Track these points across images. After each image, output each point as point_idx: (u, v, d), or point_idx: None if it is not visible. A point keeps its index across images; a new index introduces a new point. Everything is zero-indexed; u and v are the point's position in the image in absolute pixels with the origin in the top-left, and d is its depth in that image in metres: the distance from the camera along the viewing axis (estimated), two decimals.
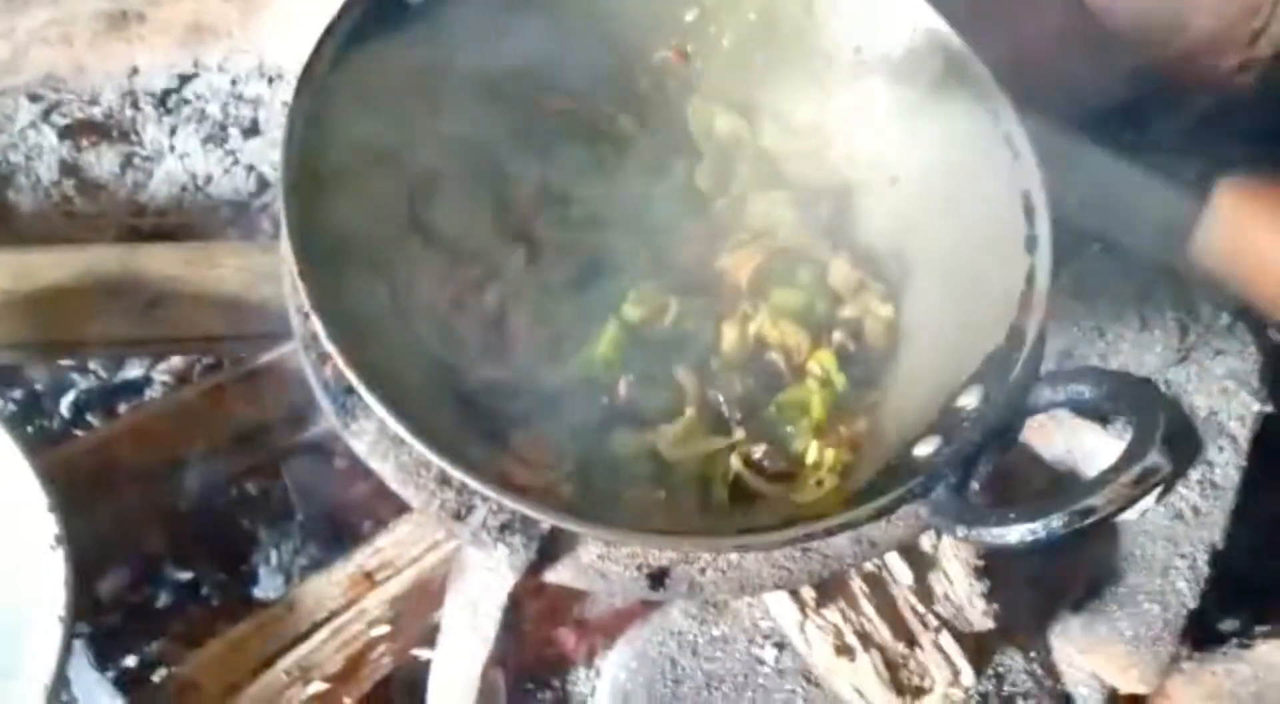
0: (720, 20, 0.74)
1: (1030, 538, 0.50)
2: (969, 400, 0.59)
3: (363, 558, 0.73)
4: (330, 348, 0.53)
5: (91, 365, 0.94)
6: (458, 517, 0.57)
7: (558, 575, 0.57)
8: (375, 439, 0.58)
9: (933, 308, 0.69)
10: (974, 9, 0.77)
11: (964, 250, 0.68)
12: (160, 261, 0.82)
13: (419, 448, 0.52)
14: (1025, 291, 0.62)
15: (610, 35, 0.72)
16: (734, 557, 0.58)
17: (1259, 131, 0.98)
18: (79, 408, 0.91)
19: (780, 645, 0.78)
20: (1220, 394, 0.93)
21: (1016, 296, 0.62)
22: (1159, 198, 0.46)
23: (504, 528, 0.56)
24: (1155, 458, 0.49)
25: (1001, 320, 0.61)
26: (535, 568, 0.56)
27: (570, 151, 0.70)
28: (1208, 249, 0.41)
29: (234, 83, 1.11)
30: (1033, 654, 0.84)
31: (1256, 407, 0.93)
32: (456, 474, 0.52)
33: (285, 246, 0.56)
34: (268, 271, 0.80)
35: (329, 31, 0.62)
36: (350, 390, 0.56)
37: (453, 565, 0.63)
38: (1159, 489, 0.86)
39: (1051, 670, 0.85)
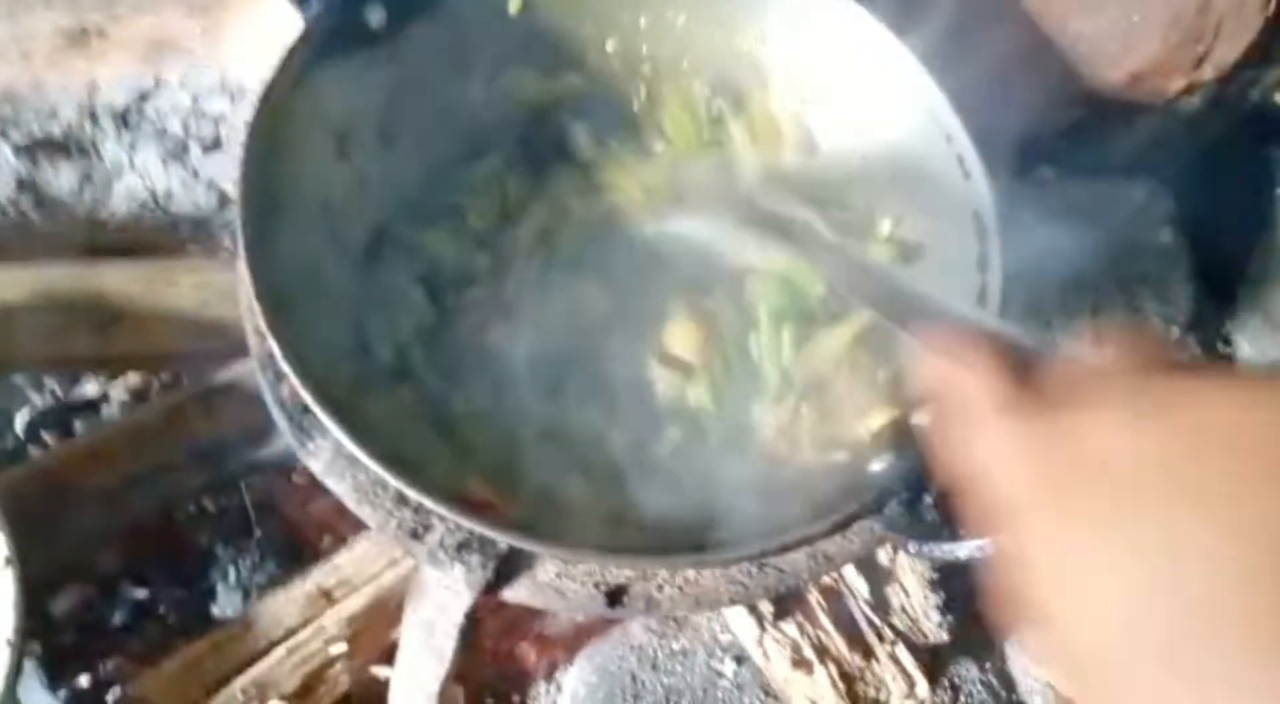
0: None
1: (979, 553, 0.50)
2: (923, 418, 0.60)
3: (321, 576, 0.73)
4: (286, 369, 0.53)
5: (48, 383, 0.93)
6: (415, 536, 0.57)
7: (515, 594, 0.58)
8: (331, 458, 0.58)
9: (890, 325, 0.70)
10: (930, 32, 0.79)
11: (915, 268, 0.69)
12: (118, 279, 0.82)
13: (374, 468, 0.52)
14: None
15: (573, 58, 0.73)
16: (691, 573, 0.59)
17: (1204, 151, 1.01)
18: (34, 427, 0.90)
19: (739, 659, 0.78)
20: None
21: None
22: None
23: (461, 547, 0.56)
24: None
25: None
26: (492, 587, 0.56)
27: (533, 172, 0.71)
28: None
29: (195, 99, 1.10)
30: (988, 665, 0.85)
31: None
32: (412, 494, 0.52)
33: (242, 267, 0.56)
34: (226, 289, 0.79)
35: (291, 51, 0.62)
36: (306, 410, 0.56)
37: (410, 584, 0.63)
38: None
39: (1007, 681, 0.86)
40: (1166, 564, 0.26)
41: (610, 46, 0.73)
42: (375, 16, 0.65)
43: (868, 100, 0.71)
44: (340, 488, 0.58)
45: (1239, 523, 0.25)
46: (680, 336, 0.66)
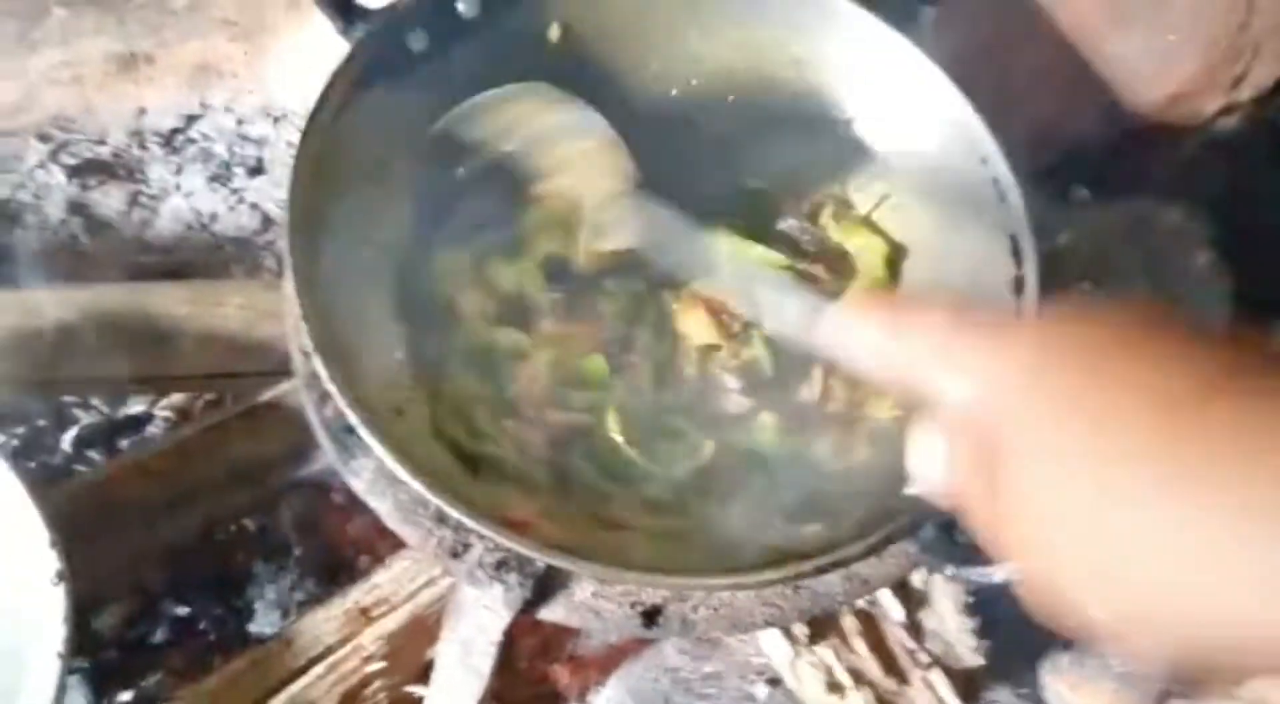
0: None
1: (1016, 576, 0.50)
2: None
3: (359, 594, 0.74)
4: (331, 389, 0.54)
5: (94, 401, 0.95)
6: (454, 554, 0.58)
7: (552, 613, 0.58)
8: (373, 477, 0.59)
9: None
10: (963, 54, 0.79)
11: (953, 291, 0.70)
12: (164, 300, 0.84)
13: (416, 487, 0.53)
14: (1015, 304, 0.63)
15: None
16: (726, 595, 0.59)
17: (1242, 172, 1.00)
18: (81, 444, 0.92)
19: (773, 682, 0.78)
20: None
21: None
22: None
23: (499, 566, 0.57)
24: None
25: None
26: (530, 606, 0.57)
27: None
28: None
29: (239, 122, 1.14)
30: (1023, 690, 0.85)
31: None
32: (453, 512, 0.53)
33: (289, 287, 0.58)
34: (270, 310, 0.81)
35: (336, 75, 0.64)
36: (349, 429, 0.57)
37: (448, 602, 0.64)
38: None
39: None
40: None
41: (652, 72, 0.74)
42: (418, 41, 0.67)
43: (902, 123, 0.71)
44: (382, 506, 0.59)
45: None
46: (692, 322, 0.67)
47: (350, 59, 0.64)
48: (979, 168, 0.69)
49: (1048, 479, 0.34)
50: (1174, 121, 0.90)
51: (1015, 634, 0.86)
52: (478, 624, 0.58)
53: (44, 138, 1.08)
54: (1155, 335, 0.34)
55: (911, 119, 0.71)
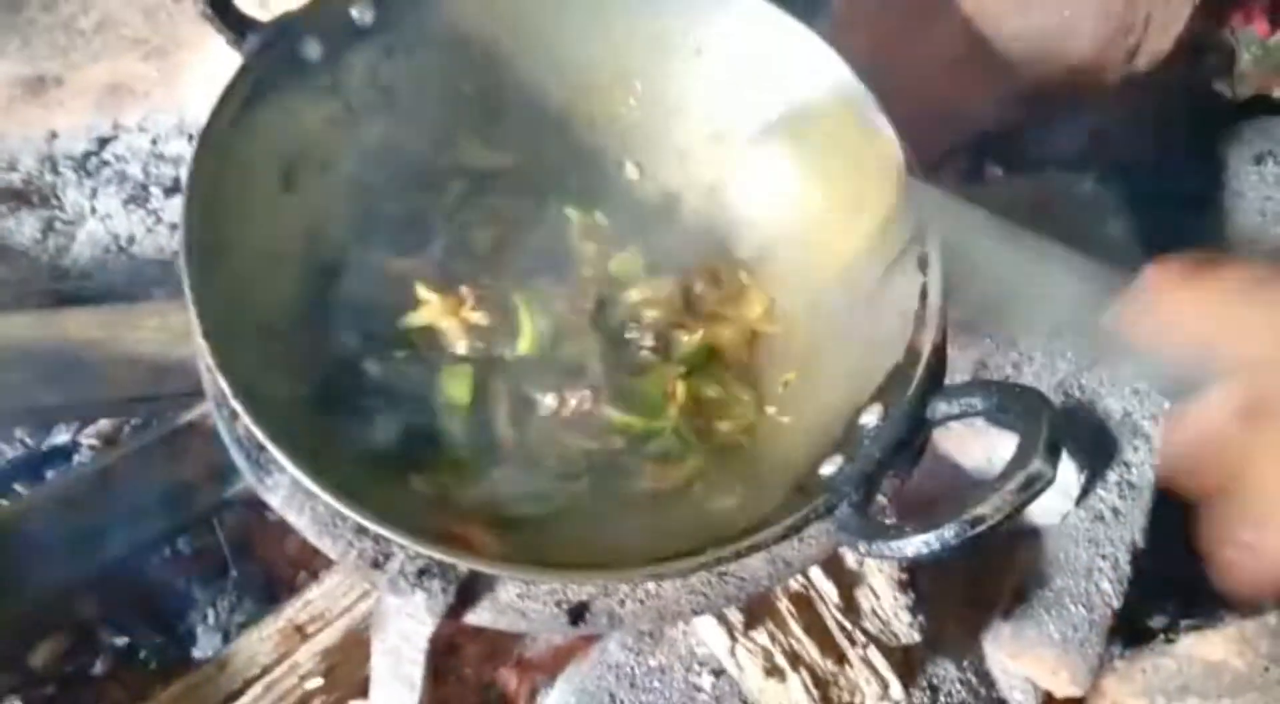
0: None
1: (925, 550, 0.51)
2: (870, 418, 0.60)
3: (293, 611, 0.73)
4: (237, 406, 0.54)
5: (17, 434, 0.93)
6: (375, 565, 0.57)
7: (478, 617, 0.58)
8: (289, 493, 0.59)
9: (838, 327, 0.71)
10: (870, 43, 0.80)
11: (862, 269, 0.70)
12: (78, 325, 0.82)
13: (328, 499, 0.52)
14: (919, 309, 0.64)
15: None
16: (651, 586, 0.59)
17: (1147, 140, 1.02)
18: (5, 478, 0.90)
19: (717, 672, 0.79)
20: (1132, 395, 0.96)
21: (912, 315, 0.64)
22: (1068, 287, 0.51)
23: (421, 573, 0.57)
24: (1038, 465, 0.51)
25: (901, 338, 0.64)
26: (455, 611, 0.57)
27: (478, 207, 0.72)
28: (1133, 330, 0.45)
29: (154, 142, 1.11)
30: (966, 663, 0.86)
31: (1167, 404, 0.96)
32: (369, 524, 0.53)
33: (188, 305, 0.57)
34: (187, 330, 0.80)
35: (230, 88, 0.63)
36: (261, 446, 0.57)
37: (374, 614, 0.64)
38: (1072, 492, 0.89)
39: (985, 678, 0.87)
40: None
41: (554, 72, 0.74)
42: (312, 50, 0.66)
43: (794, 104, 0.72)
44: (300, 521, 0.59)
45: None
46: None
47: (242, 70, 0.64)
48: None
49: None
50: (1078, 95, 0.91)
51: (956, 608, 0.88)
52: (404, 633, 0.58)
53: None
54: None
55: (814, 106, 0.72)
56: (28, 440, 0.93)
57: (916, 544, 0.51)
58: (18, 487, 0.90)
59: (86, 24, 1.08)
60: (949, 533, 0.50)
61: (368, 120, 0.70)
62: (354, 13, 0.67)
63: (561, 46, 0.74)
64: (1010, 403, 0.56)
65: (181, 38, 1.09)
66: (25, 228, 1.05)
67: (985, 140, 0.95)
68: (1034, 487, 0.51)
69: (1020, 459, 0.51)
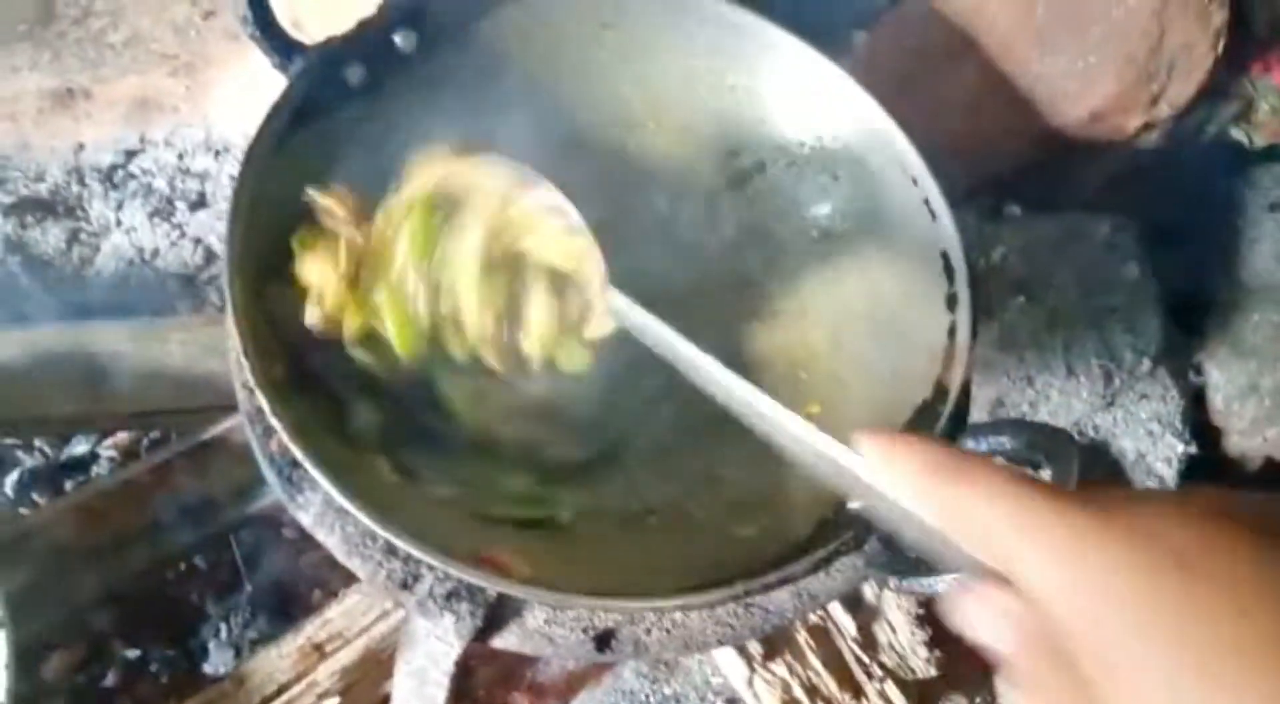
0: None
1: (959, 586, 0.51)
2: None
3: (312, 630, 0.73)
4: (275, 423, 0.54)
5: (37, 443, 0.93)
6: (404, 586, 0.58)
7: (505, 641, 0.58)
8: (321, 511, 0.59)
9: (865, 362, 0.72)
10: (893, 78, 0.81)
11: (890, 306, 0.71)
12: (105, 338, 0.83)
13: (364, 520, 0.53)
14: (948, 346, 0.65)
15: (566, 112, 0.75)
16: (678, 616, 0.60)
17: (1167, 185, 1.03)
18: (24, 488, 0.90)
19: (732, 702, 0.79)
20: (1146, 437, 0.97)
21: (940, 352, 0.65)
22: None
23: (450, 596, 0.57)
24: None
25: (928, 375, 0.64)
26: (482, 635, 0.57)
27: None
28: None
29: (180, 157, 1.13)
30: (979, 699, 0.86)
31: (1181, 448, 0.96)
32: (401, 544, 0.53)
33: (230, 323, 0.58)
34: (213, 345, 0.81)
35: (274, 109, 0.64)
36: (295, 464, 0.57)
37: (400, 635, 0.64)
38: None
39: None
40: None
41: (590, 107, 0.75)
42: (355, 75, 0.67)
43: (827, 148, 0.73)
44: (330, 540, 0.59)
45: None
46: None
47: (287, 93, 0.65)
48: (911, 189, 0.70)
49: None
50: (1098, 138, 0.93)
51: (968, 643, 0.88)
52: (430, 655, 0.58)
53: None
54: None
55: (844, 143, 0.73)
56: (47, 450, 0.93)
57: (949, 581, 0.51)
58: (36, 497, 0.90)
59: (116, 39, 1.09)
60: (983, 571, 0.51)
61: (406, 143, 0.70)
62: (397, 39, 0.68)
63: (596, 79, 0.75)
64: (1041, 442, 0.57)
65: (210, 55, 1.11)
66: (50, 238, 1.06)
67: (1005, 181, 0.97)
68: None
69: None
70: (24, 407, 0.81)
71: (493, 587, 0.55)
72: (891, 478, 0.37)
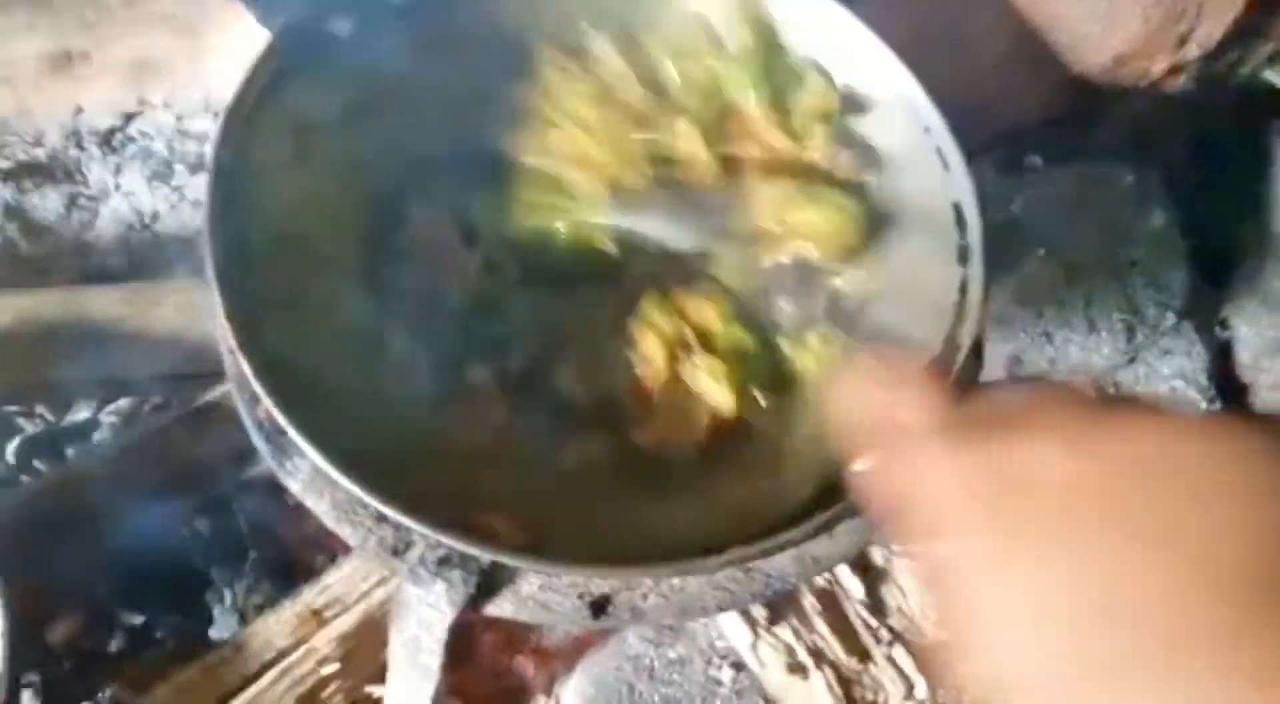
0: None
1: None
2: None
3: (310, 596, 0.72)
4: (258, 389, 0.53)
5: (38, 410, 0.93)
6: (395, 552, 0.56)
7: (499, 608, 0.57)
8: (310, 477, 0.58)
9: (875, 318, 0.69)
10: (907, 24, 0.78)
11: (902, 261, 0.69)
12: (101, 302, 0.82)
13: (351, 488, 0.51)
14: (959, 301, 0.62)
15: None
16: (675, 581, 0.58)
17: (1194, 132, 0.99)
18: (25, 454, 0.90)
19: (738, 666, 0.77)
20: (1170, 393, 0.94)
21: (951, 307, 0.62)
22: None
23: (442, 562, 0.56)
24: None
25: (939, 330, 0.62)
26: (475, 602, 0.56)
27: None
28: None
29: (179, 119, 1.11)
30: None
31: (1204, 404, 0.94)
32: (390, 512, 0.52)
33: (211, 284, 0.56)
34: (209, 309, 0.79)
35: (256, 65, 0.62)
36: (282, 430, 0.55)
37: (393, 602, 0.63)
38: None
39: None
40: (1100, 585, 0.27)
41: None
42: (342, 26, 0.65)
43: (842, 96, 0.70)
44: (319, 507, 0.58)
45: (1168, 544, 0.26)
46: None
47: (271, 48, 0.62)
48: (923, 138, 0.68)
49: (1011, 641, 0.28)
50: (1122, 83, 0.89)
51: None
52: (424, 622, 0.57)
53: None
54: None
55: (852, 91, 0.70)
56: (48, 416, 0.93)
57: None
58: (38, 463, 0.90)
59: (115, 0, 1.07)
60: None
61: (395, 102, 0.68)
62: None
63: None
64: None
65: (209, 15, 1.08)
66: (49, 203, 1.05)
67: (1025, 130, 0.93)
68: None
69: None
70: (21, 373, 0.81)
71: (484, 554, 0.53)
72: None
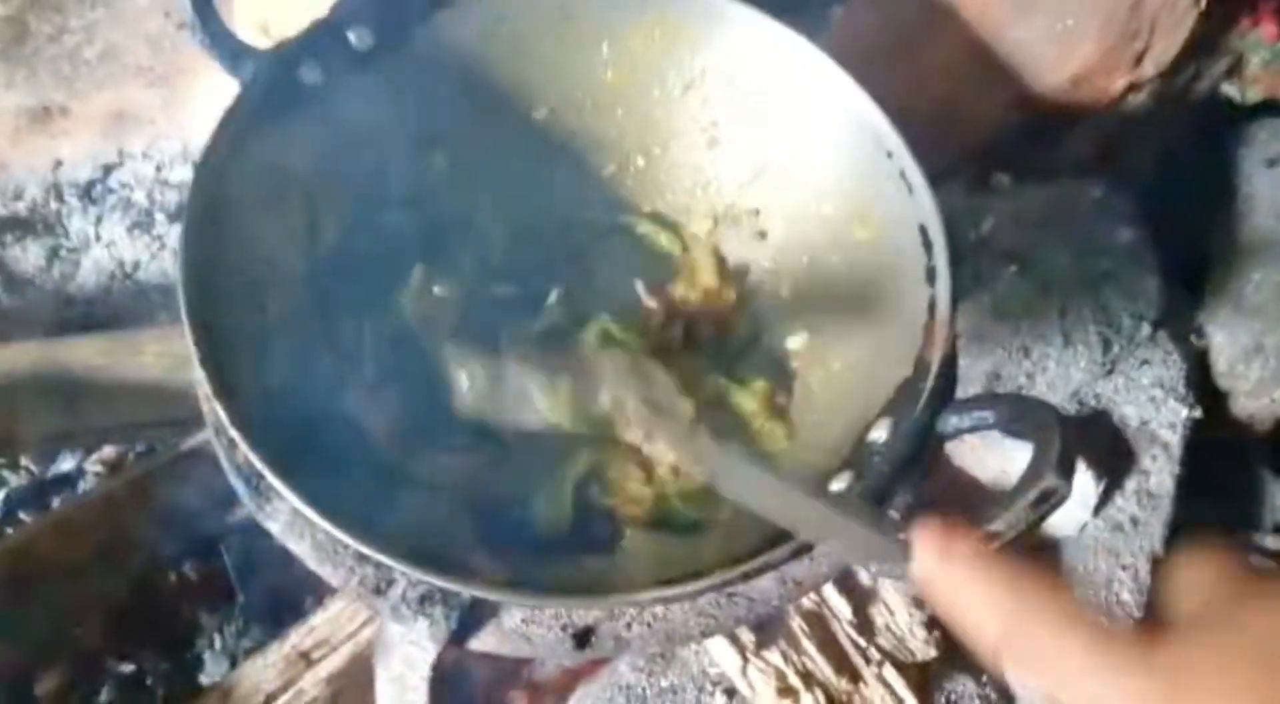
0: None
1: None
2: (879, 433, 0.59)
3: (298, 637, 0.72)
4: (234, 434, 0.53)
5: (23, 462, 0.93)
6: (377, 591, 0.57)
7: (482, 643, 0.57)
8: (290, 520, 0.58)
9: (845, 342, 0.70)
10: (868, 50, 0.79)
11: (868, 282, 0.69)
12: (81, 352, 0.82)
13: (330, 529, 0.52)
14: (928, 322, 0.63)
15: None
16: (659, 609, 0.58)
17: (1159, 145, 1.01)
18: (11, 506, 0.90)
19: (730, 692, 0.77)
20: (1149, 403, 0.95)
21: (920, 328, 0.63)
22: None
23: (424, 600, 0.56)
24: (1052, 479, 0.50)
25: (910, 351, 0.63)
26: (458, 638, 0.56)
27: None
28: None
29: (159, 169, 1.12)
30: (984, 678, 0.84)
31: (1185, 412, 0.94)
32: (369, 552, 0.52)
33: (186, 331, 0.57)
34: (188, 356, 0.79)
35: (228, 113, 0.63)
36: (261, 474, 0.56)
37: (377, 641, 0.63)
38: (1081, 505, 0.88)
39: (1005, 693, 0.85)
40: None
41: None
42: (311, 74, 0.66)
43: (801, 124, 0.71)
44: (301, 548, 0.58)
45: None
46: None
47: (242, 97, 0.63)
48: (885, 162, 0.69)
49: None
50: (1083, 102, 0.90)
51: None
52: (407, 660, 0.57)
53: None
54: None
55: (811, 119, 0.71)
56: (33, 468, 0.93)
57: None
58: (24, 515, 0.90)
59: (91, 54, 1.08)
60: None
61: (368, 145, 0.69)
62: (351, 37, 0.67)
63: (563, 69, 0.73)
64: (1022, 415, 0.55)
65: (185, 65, 1.10)
66: (30, 256, 1.05)
67: (992, 149, 0.94)
68: (1048, 501, 0.50)
69: (1033, 474, 0.50)
70: (4, 426, 0.81)
71: (465, 590, 0.53)
72: (943, 584, 0.41)
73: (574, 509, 0.62)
